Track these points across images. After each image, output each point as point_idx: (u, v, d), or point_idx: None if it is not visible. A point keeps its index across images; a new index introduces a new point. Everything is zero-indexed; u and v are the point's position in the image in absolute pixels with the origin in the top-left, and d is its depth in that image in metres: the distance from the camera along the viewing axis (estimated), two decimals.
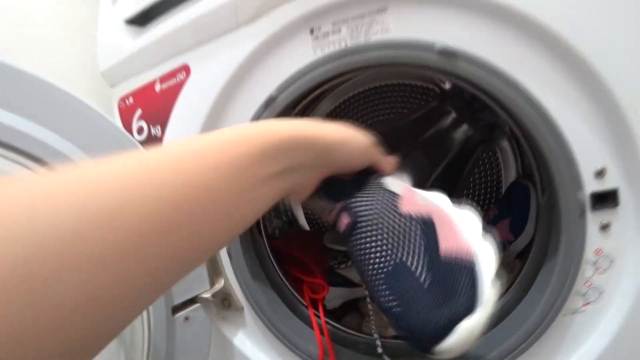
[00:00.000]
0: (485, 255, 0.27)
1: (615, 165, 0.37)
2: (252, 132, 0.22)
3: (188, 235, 0.18)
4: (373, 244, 0.29)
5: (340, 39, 0.41)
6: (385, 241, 0.29)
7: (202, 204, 0.18)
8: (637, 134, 0.36)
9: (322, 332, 0.48)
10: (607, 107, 0.37)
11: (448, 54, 0.37)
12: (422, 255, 0.28)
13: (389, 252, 0.29)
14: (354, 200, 0.32)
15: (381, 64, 0.39)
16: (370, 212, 0.31)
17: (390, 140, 0.73)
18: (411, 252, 0.28)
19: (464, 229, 0.29)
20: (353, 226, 0.30)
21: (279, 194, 0.23)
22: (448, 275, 0.27)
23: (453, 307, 0.25)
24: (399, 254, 0.28)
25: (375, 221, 0.30)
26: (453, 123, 0.72)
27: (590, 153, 0.37)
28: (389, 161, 0.39)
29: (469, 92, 0.64)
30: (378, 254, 0.29)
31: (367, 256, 0.29)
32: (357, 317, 0.61)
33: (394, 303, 0.27)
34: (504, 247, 0.66)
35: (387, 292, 0.28)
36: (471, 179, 0.75)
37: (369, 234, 0.30)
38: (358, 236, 0.30)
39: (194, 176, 0.18)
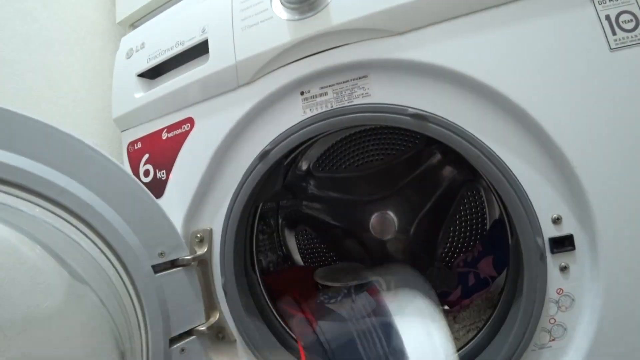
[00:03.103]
0: None
1: (570, 213, 0.42)
2: None
3: None
4: None
5: (327, 101, 0.47)
6: None
7: None
8: (586, 185, 0.41)
9: None
10: (559, 163, 0.42)
11: (419, 117, 0.43)
12: None
13: None
14: None
15: (362, 124, 0.44)
16: None
17: (380, 179, 0.79)
18: None
19: None
20: None
21: None
22: None
23: None
24: None
25: None
26: (439, 164, 0.77)
27: (547, 202, 0.42)
28: None
29: None
30: None
31: None
32: None
33: None
34: (487, 282, 0.70)
35: None
36: (457, 216, 0.79)
37: None
38: None
39: None
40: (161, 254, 0.49)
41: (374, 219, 0.78)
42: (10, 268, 0.36)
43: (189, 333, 0.52)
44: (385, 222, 0.79)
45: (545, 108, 0.41)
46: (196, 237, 0.53)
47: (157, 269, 0.48)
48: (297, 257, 0.82)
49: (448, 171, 0.78)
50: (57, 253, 0.40)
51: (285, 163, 0.54)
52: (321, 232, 0.83)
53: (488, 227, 0.78)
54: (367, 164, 0.80)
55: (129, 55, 0.66)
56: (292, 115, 0.48)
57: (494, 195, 0.75)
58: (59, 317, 0.36)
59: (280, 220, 0.82)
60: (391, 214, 0.78)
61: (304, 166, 0.80)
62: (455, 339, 0.56)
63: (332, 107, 0.47)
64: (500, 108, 0.43)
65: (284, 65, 0.49)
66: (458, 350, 0.53)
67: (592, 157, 0.41)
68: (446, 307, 0.73)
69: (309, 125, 0.46)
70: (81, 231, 0.44)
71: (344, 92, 0.46)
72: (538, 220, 0.42)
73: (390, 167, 0.79)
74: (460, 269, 0.76)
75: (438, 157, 0.78)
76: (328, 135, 0.80)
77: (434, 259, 0.80)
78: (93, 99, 0.74)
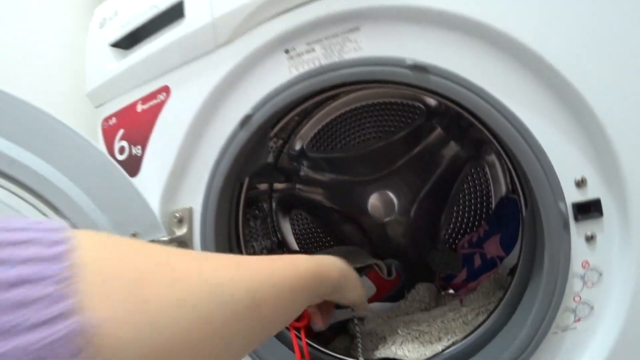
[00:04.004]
0: None
1: (596, 175, 0.37)
2: (309, 270, 0.31)
3: (273, 310, 0.26)
4: None
5: (315, 58, 0.41)
6: None
7: (285, 300, 0.28)
8: (615, 142, 0.35)
9: (302, 356, 0.46)
10: (583, 116, 0.36)
11: (419, 68, 0.37)
12: None
13: None
14: None
15: (355, 80, 0.39)
16: None
17: (378, 158, 0.74)
18: None
19: None
20: None
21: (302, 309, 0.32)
22: None
23: None
24: None
25: None
26: (440, 140, 0.72)
27: (569, 163, 0.37)
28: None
29: (454, 109, 0.65)
30: None
31: None
32: (346, 341, 0.58)
33: None
34: (495, 263, 0.65)
35: None
36: (460, 195, 0.74)
37: None
38: None
39: (284, 283, 0.28)
40: (134, 234, 0.44)
41: (372, 200, 0.73)
42: None
43: None
44: (384, 203, 0.74)
45: (565, 54, 0.36)
46: (175, 216, 0.47)
47: None
48: (293, 243, 0.77)
49: (450, 148, 0.73)
50: None
51: (272, 135, 0.48)
52: (317, 216, 0.77)
53: (494, 206, 0.73)
54: (364, 142, 0.75)
55: (102, 24, 0.60)
56: (277, 76, 0.43)
57: (502, 166, 0.70)
58: None
59: (273, 205, 0.77)
60: (390, 194, 0.73)
61: (297, 146, 0.75)
62: (464, 323, 0.51)
63: (320, 64, 0.41)
64: (511, 56, 0.37)
65: (266, 21, 0.43)
66: (468, 334, 0.48)
67: (621, 108, 0.35)
68: (451, 291, 0.69)
69: (295, 84, 0.41)
70: (38, 209, 0.39)
71: (333, 48, 0.41)
72: (560, 183, 0.36)
73: (389, 145, 0.74)
74: (465, 251, 0.71)
75: (439, 132, 0.73)
76: (321, 113, 0.75)
77: (437, 242, 0.75)
78: (67, 77, 0.69)
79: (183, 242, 0.47)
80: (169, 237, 0.46)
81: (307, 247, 0.77)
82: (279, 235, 0.77)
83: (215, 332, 0.21)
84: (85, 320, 0.15)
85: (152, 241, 0.46)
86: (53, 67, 0.69)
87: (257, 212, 0.73)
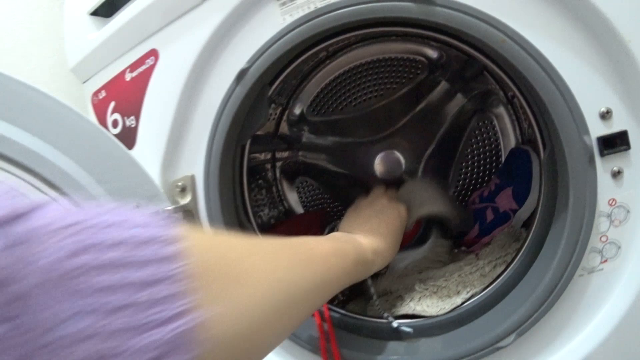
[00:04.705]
0: None
1: (622, 106, 0.34)
2: (354, 261, 0.36)
3: (322, 299, 0.32)
4: None
5: (309, 2, 0.38)
6: None
7: (335, 289, 0.33)
8: None
9: (322, 318, 0.45)
10: (607, 43, 0.33)
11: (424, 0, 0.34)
12: None
13: None
14: None
15: (352, 20, 0.36)
16: None
17: (381, 117, 0.71)
18: None
19: None
20: None
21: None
22: None
23: None
24: None
25: None
26: (445, 94, 0.69)
27: (592, 93, 0.34)
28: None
29: (458, 59, 0.61)
30: None
31: None
32: (361, 303, 0.58)
33: None
34: (508, 216, 0.63)
35: None
36: (469, 150, 0.72)
37: None
38: None
39: (338, 278, 0.33)
40: (136, 207, 0.42)
41: (378, 160, 0.71)
42: None
43: None
44: (390, 163, 0.71)
45: None
46: (177, 186, 0.45)
47: None
48: (300, 211, 0.75)
49: (455, 102, 0.69)
50: None
51: (270, 93, 0.46)
52: (323, 181, 0.75)
53: (504, 159, 0.70)
54: (365, 102, 0.72)
55: None
56: (269, 25, 0.39)
57: (510, 118, 0.67)
58: None
59: (277, 174, 0.75)
60: (397, 153, 0.71)
61: (297, 111, 0.72)
62: (481, 275, 0.50)
63: (315, 7, 0.38)
64: None
65: None
66: (487, 286, 0.46)
67: None
68: (463, 249, 0.68)
69: (289, 31, 0.38)
70: (34, 186, 0.37)
71: None
72: (584, 116, 0.34)
73: (391, 103, 0.71)
74: (477, 206, 0.69)
75: (443, 85, 0.69)
76: (320, 74, 0.72)
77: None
78: (46, 53, 0.65)
79: (188, 211, 0.45)
80: (173, 206, 0.44)
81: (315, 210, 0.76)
82: (285, 204, 0.75)
83: (288, 323, 0.25)
84: (202, 316, 0.17)
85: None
86: (31, 47, 0.66)
87: (261, 181, 0.71)
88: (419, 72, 0.70)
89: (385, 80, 0.71)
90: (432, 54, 0.67)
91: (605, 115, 0.34)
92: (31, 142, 0.37)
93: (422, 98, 0.70)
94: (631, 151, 0.34)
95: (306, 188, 0.77)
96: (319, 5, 0.38)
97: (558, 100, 0.33)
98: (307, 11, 0.38)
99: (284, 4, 0.39)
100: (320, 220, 0.66)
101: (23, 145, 0.36)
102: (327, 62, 0.69)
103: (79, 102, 0.65)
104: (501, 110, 0.69)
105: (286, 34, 0.38)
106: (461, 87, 0.68)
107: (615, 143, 0.34)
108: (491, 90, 0.67)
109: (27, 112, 0.38)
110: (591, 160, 0.34)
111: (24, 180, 0.37)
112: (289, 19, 0.39)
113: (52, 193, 0.38)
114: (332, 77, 0.71)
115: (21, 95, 0.38)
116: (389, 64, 0.70)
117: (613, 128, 0.34)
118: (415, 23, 0.38)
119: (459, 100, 0.69)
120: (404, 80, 0.70)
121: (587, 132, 0.34)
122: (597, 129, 0.34)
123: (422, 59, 0.69)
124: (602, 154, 0.34)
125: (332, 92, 0.72)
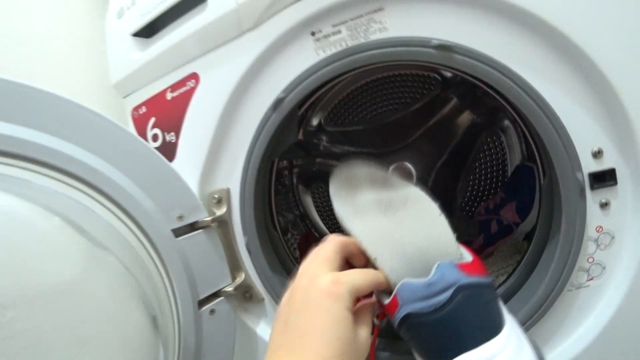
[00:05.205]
0: None
1: (612, 146, 0.39)
2: None
3: None
4: None
5: (341, 40, 0.43)
6: None
7: None
8: (631, 115, 0.37)
9: None
10: (600, 90, 0.38)
11: (444, 48, 0.39)
12: None
13: None
14: None
15: (382, 61, 0.41)
16: None
17: (395, 130, 0.76)
18: None
19: None
20: None
21: None
22: None
23: None
24: None
25: None
26: (455, 110, 0.74)
27: (586, 135, 0.39)
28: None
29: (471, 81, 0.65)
30: None
31: None
32: None
33: None
34: (511, 229, 0.68)
35: None
36: (476, 164, 0.76)
37: None
38: None
39: None
40: (180, 217, 0.47)
41: (390, 171, 0.76)
42: (24, 240, 0.35)
43: (216, 295, 0.51)
44: (402, 174, 0.76)
45: (583, 27, 0.37)
46: (213, 197, 0.51)
47: (177, 232, 0.47)
48: (315, 216, 0.81)
49: (466, 117, 0.74)
50: (73, 221, 0.39)
51: (299, 114, 0.51)
52: None
53: (509, 173, 0.75)
54: (380, 115, 0.77)
55: (120, 15, 0.61)
56: (304, 58, 0.44)
57: (517, 133, 0.72)
58: (81, 282, 0.35)
59: (294, 179, 0.80)
60: (408, 165, 0.76)
61: (315, 122, 0.77)
62: None
63: (347, 45, 0.42)
64: (530, 31, 0.38)
65: (291, 4, 0.44)
66: None
67: (638, 80, 0.37)
68: None
69: (324, 67, 0.42)
70: (95, 199, 0.43)
71: (358, 29, 0.42)
72: (577, 155, 0.39)
73: (405, 117, 0.75)
74: (482, 217, 0.75)
75: (454, 102, 0.74)
76: (338, 87, 0.76)
77: (454, 209, 0.79)
78: (87, 67, 0.70)
79: (223, 221, 0.51)
80: (211, 217, 0.50)
81: (330, 219, 0.81)
82: (301, 208, 0.81)
83: None
84: None
85: (195, 222, 0.49)
86: (72, 61, 0.70)
87: (279, 187, 0.76)
88: (432, 88, 0.74)
89: (400, 95, 0.76)
90: (446, 73, 0.71)
91: (597, 155, 0.39)
92: (94, 161, 0.42)
93: (435, 113, 0.74)
94: (618, 186, 0.39)
95: (321, 194, 0.82)
96: (350, 44, 0.43)
97: (555, 139, 0.38)
98: (339, 48, 0.43)
99: (317, 39, 0.44)
100: None
101: (87, 164, 0.42)
102: (345, 77, 0.74)
103: (115, 111, 0.71)
104: (509, 127, 0.74)
105: (321, 68, 0.43)
106: (471, 104, 0.72)
107: (604, 178, 0.39)
108: (499, 107, 0.72)
109: (88, 134, 0.43)
110: (582, 193, 0.39)
111: (85, 193, 0.42)
112: (322, 54, 0.44)
113: (110, 205, 0.43)
114: (348, 91, 0.76)
115: (77, 115, 0.43)
116: (404, 79, 0.74)
117: (603, 165, 0.39)
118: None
119: (468, 115, 0.74)
120: (417, 96, 0.75)
121: (579, 169, 0.39)
122: (589, 166, 0.39)
123: (436, 75, 0.73)
124: (592, 188, 0.39)
125: (348, 104, 0.77)
